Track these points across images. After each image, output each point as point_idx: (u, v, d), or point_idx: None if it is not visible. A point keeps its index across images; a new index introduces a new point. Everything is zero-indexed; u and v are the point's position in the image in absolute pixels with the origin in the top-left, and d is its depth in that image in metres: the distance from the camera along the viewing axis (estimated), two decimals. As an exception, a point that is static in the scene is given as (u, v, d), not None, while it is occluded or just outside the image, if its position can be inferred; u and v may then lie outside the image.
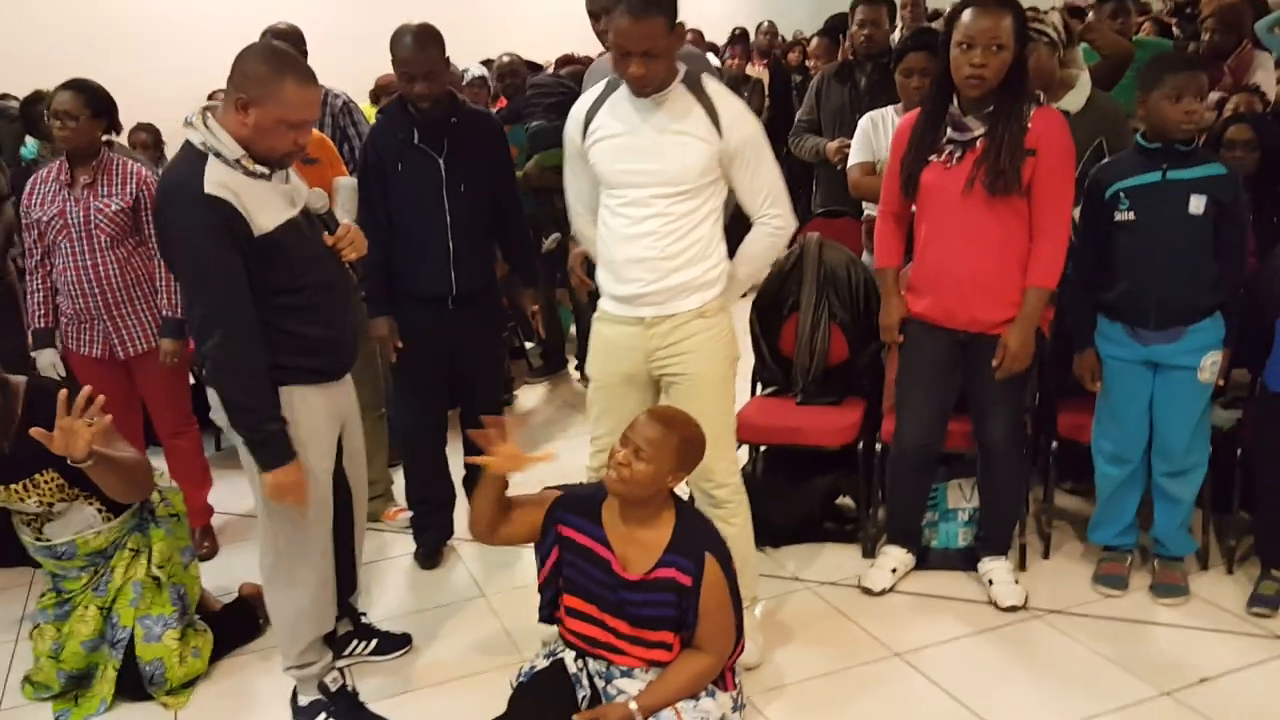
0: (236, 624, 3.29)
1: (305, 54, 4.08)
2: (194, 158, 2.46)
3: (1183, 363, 3.08)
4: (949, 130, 3.03)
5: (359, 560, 3.10)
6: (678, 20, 2.66)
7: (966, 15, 2.94)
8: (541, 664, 2.63)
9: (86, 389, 2.66)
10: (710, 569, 2.46)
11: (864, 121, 3.87)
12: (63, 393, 2.64)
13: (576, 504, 2.60)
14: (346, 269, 2.70)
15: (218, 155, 2.45)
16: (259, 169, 2.49)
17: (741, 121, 2.75)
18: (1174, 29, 6.57)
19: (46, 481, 2.88)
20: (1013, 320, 3.06)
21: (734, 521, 2.92)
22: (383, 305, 3.46)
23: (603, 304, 2.93)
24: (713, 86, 2.78)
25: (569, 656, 2.58)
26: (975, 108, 2.98)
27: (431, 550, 3.77)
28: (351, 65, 7.14)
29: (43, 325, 3.65)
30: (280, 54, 2.54)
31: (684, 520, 2.54)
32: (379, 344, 3.51)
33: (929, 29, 4.59)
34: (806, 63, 8.22)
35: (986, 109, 2.97)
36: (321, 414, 2.68)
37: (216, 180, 2.42)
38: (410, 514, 3.86)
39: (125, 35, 8.77)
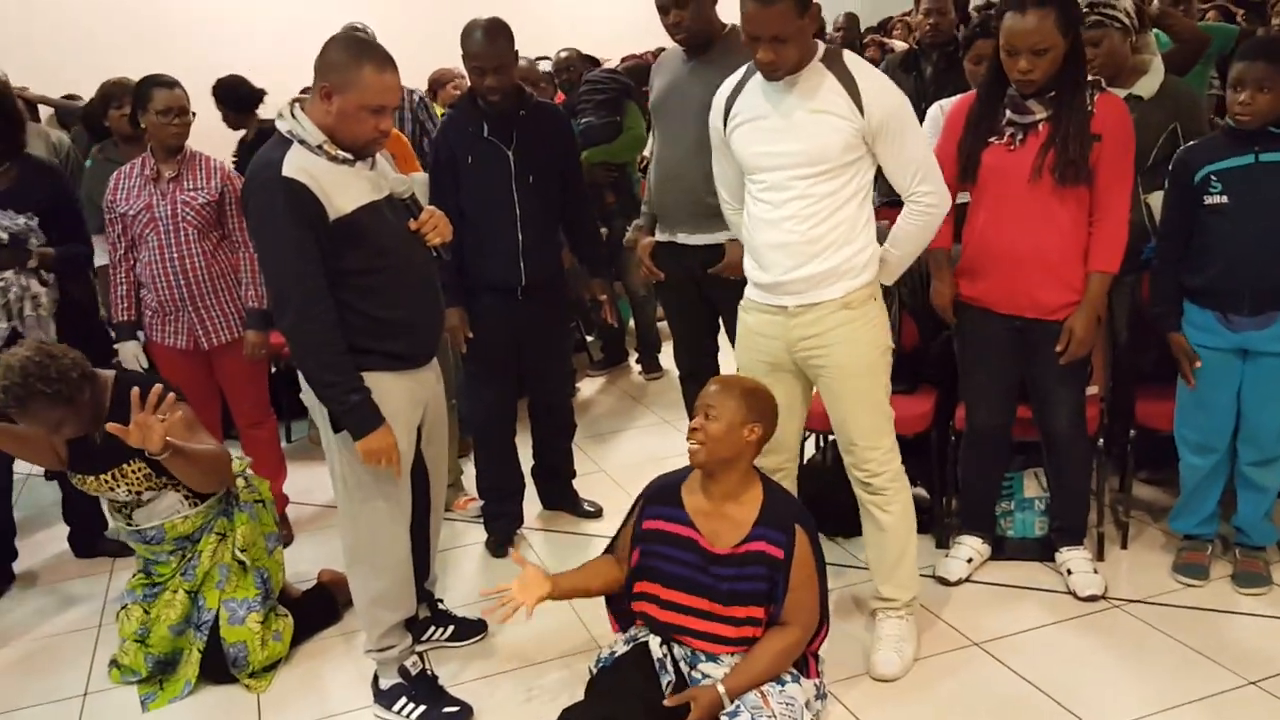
0: (316, 610, 3.34)
1: None
2: (279, 144, 2.54)
3: (1274, 349, 3.02)
4: (1008, 113, 3.00)
5: (435, 546, 3.13)
6: (811, 2, 2.57)
7: (1007, 19, 2.90)
8: (622, 649, 2.64)
9: (157, 388, 2.77)
10: (800, 540, 2.49)
11: (934, 110, 3.83)
12: (135, 391, 2.75)
13: (658, 495, 2.64)
14: (431, 256, 2.73)
15: (301, 142, 2.52)
16: (342, 154, 2.54)
17: (884, 96, 2.64)
18: (1238, 16, 6.45)
19: (134, 471, 2.95)
20: (1072, 304, 3.03)
21: (890, 509, 2.87)
22: (454, 295, 3.48)
23: (748, 291, 2.90)
24: (854, 61, 2.68)
25: (654, 642, 2.59)
26: (1035, 93, 2.95)
27: (503, 539, 3.80)
28: (407, 61, 7.17)
29: (125, 319, 3.71)
30: (359, 42, 2.59)
31: (771, 494, 2.56)
32: (449, 334, 3.54)
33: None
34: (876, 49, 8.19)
35: (1048, 93, 2.93)
36: (401, 400, 2.70)
37: (296, 164, 2.49)
38: (481, 503, 3.90)
39: (142, 33, 8.89)
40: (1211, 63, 4.38)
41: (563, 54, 5.98)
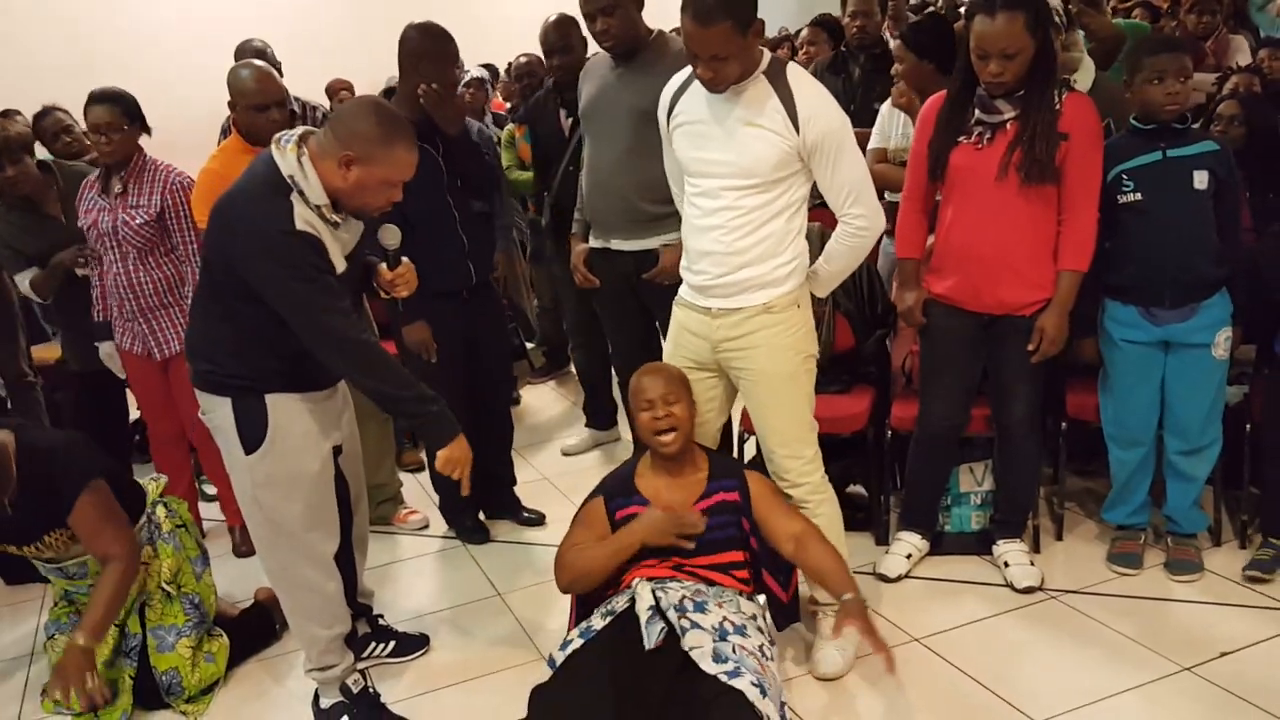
0: (253, 630, 3.27)
1: (278, 67, 4.45)
2: (278, 189, 2.44)
3: (1197, 340, 3.09)
4: (977, 112, 3.00)
5: (362, 557, 3.09)
6: (754, 20, 2.54)
7: (976, 23, 2.90)
8: (600, 624, 2.52)
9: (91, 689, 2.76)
10: (752, 478, 2.69)
11: (884, 108, 3.92)
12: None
13: (615, 488, 2.78)
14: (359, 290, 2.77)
15: (300, 193, 2.44)
16: (334, 217, 2.49)
17: (821, 115, 2.62)
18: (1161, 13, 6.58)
19: (55, 539, 2.91)
20: (1038, 303, 3.05)
21: (815, 520, 2.85)
22: (416, 310, 3.44)
23: (682, 287, 2.91)
24: (796, 78, 2.65)
25: (644, 589, 2.50)
26: (1004, 93, 2.96)
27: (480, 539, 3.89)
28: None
29: (102, 319, 3.79)
30: (392, 117, 2.51)
31: (713, 455, 2.81)
32: (417, 348, 3.51)
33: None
34: (795, 58, 8.27)
35: (1017, 92, 2.94)
36: (312, 420, 2.66)
37: (303, 218, 2.43)
38: (420, 515, 3.96)
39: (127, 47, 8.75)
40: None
41: (521, 59, 5.84)
